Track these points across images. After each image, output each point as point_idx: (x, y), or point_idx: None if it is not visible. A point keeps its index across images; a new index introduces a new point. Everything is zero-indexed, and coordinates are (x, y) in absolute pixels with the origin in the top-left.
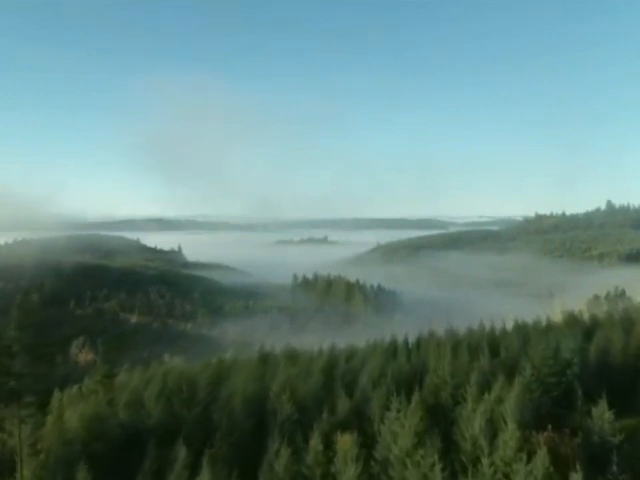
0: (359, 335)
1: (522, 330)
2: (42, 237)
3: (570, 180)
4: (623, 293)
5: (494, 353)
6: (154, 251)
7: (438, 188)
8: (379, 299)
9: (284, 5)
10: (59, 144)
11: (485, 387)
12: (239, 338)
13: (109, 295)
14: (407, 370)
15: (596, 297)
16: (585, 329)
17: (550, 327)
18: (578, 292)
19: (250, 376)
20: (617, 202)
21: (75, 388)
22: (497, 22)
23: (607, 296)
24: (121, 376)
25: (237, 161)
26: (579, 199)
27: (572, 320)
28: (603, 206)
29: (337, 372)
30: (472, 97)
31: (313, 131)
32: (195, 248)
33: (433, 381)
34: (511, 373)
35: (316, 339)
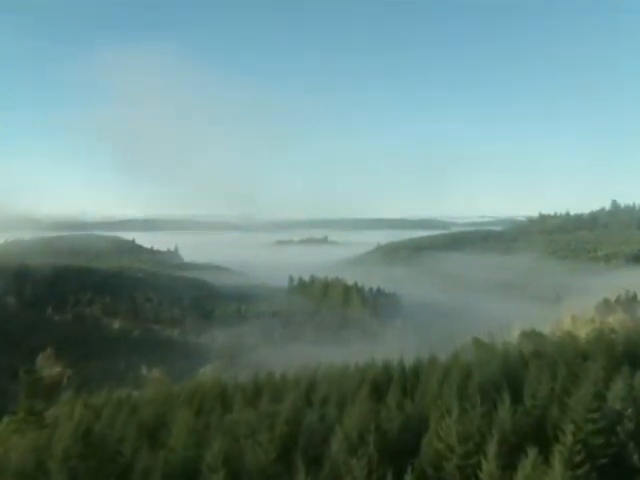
0: (356, 343)
1: (543, 355)
2: (35, 238)
3: (574, 179)
4: (635, 297)
5: (515, 395)
6: (149, 252)
7: (439, 188)
8: (378, 302)
9: (283, 1)
10: (55, 143)
11: (507, 458)
12: (228, 346)
13: (93, 299)
14: (398, 425)
15: (606, 301)
16: (622, 355)
17: (578, 351)
18: (586, 295)
19: (184, 430)
20: (622, 202)
21: (6, 420)
22: (496, 21)
23: (618, 300)
24: (54, 410)
25: (236, 160)
26: (583, 199)
27: (604, 343)
28: (608, 206)
29: (304, 426)
30: (473, 96)
31: (313, 130)
32: (193, 248)
33: (434, 446)
34: (542, 434)
35: (309, 347)
